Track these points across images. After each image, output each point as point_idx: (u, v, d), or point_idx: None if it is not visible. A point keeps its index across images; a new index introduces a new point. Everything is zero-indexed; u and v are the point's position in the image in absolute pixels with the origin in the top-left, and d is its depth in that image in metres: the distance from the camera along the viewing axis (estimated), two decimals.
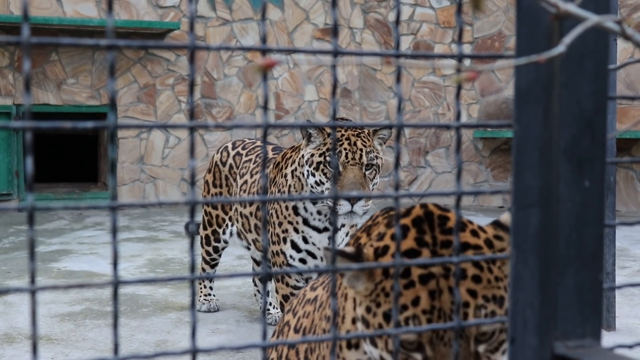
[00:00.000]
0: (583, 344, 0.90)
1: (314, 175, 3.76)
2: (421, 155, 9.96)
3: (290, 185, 3.96)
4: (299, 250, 3.96)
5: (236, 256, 6.32)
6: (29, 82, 0.75)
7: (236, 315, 4.76)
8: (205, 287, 4.86)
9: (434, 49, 9.87)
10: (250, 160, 4.48)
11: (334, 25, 0.90)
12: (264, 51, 0.86)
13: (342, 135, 3.70)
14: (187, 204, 0.85)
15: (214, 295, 4.88)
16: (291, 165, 3.98)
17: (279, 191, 4.04)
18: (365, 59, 9.53)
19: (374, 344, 1.56)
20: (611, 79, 4.14)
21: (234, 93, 9.39)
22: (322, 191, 3.74)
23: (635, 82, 9.53)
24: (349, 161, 3.64)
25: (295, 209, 3.95)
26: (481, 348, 1.50)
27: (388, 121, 9.59)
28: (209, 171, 4.75)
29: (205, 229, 4.80)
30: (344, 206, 3.59)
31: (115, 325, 0.84)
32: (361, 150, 3.66)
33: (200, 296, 4.84)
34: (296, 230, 3.95)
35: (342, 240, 4.01)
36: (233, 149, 4.64)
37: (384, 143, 3.86)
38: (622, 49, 8.92)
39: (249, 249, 4.59)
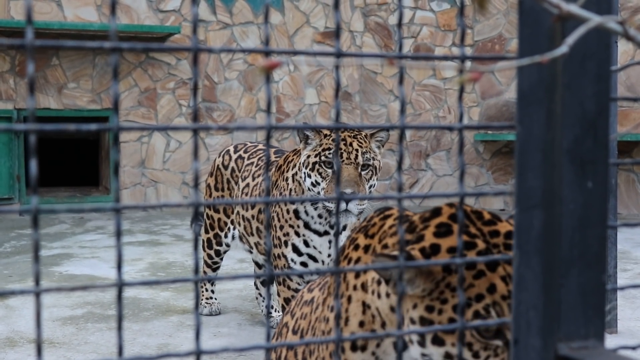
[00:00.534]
0: (586, 345, 0.90)
1: (309, 176, 3.77)
2: (422, 158, 9.96)
3: (291, 189, 3.96)
4: (300, 253, 3.97)
5: (237, 259, 6.32)
6: (33, 84, 0.76)
7: (238, 318, 4.76)
8: (207, 290, 4.86)
9: (434, 52, 9.88)
10: (252, 163, 4.48)
11: (336, 26, 0.90)
12: (266, 53, 0.87)
13: (339, 136, 3.71)
14: (190, 205, 0.85)
15: (215, 299, 4.88)
16: (292, 169, 3.99)
17: (280, 194, 4.04)
18: (366, 62, 9.54)
19: (439, 343, 1.53)
20: (612, 81, 4.14)
21: (234, 97, 9.39)
22: (319, 192, 3.75)
23: (635, 84, 9.53)
24: (344, 160, 3.66)
25: (296, 212, 3.95)
26: None
27: (389, 124, 9.58)
28: (211, 175, 4.75)
29: (207, 232, 4.80)
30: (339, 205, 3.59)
31: (119, 327, 0.84)
32: (357, 150, 3.69)
33: (202, 300, 4.84)
34: (297, 234, 3.96)
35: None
36: (235, 152, 4.64)
37: (382, 146, 3.87)
38: (623, 52, 8.92)
39: (251, 252, 4.59)
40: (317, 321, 1.94)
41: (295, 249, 3.97)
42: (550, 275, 0.89)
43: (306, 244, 3.95)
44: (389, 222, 1.79)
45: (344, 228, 3.99)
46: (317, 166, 3.76)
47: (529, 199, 0.89)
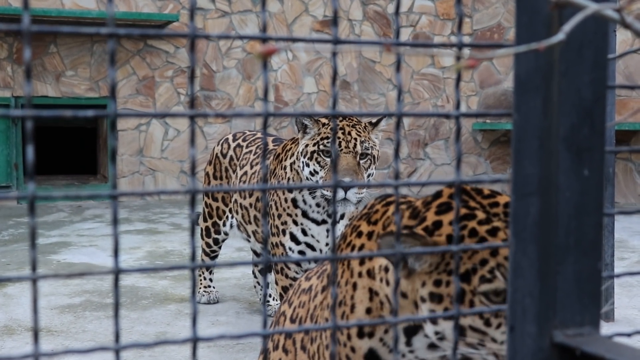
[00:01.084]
0: (582, 332, 0.91)
1: (308, 165, 3.78)
2: (420, 147, 9.96)
3: (289, 178, 3.96)
4: (298, 242, 3.97)
5: (236, 248, 6.33)
6: (29, 70, 0.76)
7: (236, 307, 4.77)
8: (205, 279, 4.86)
9: (433, 41, 9.86)
10: (250, 151, 4.48)
11: (334, 13, 0.90)
12: (264, 40, 0.87)
13: (337, 125, 3.71)
14: (187, 193, 0.85)
15: (213, 287, 4.88)
16: (290, 158, 3.99)
17: (278, 183, 4.04)
18: (365, 50, 9.52)
19: (450, 317, 1.54)
20: (610, 70, 4.14)
21: (233, 85, 9.38)
22: (317, 181, 3.75)
23: (634, 73, 9.53)
24: (342, 149, 3.67)
25: (294, 201, 3.96)
26: None
27: (386, 112, 9.58)
28: (210, 163, 4.75)
29: (205, 220, 4.80)
30: (337, 193, 3.60)
31: (116, 315, 0.84)
32: (355, 139, 3.69)
33: (200, 288, 4.85)
34: (295, 223, 3.96)
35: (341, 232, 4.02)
36: (234, 140, 4.64)
37: (380, 135, 3.88)
38: (621, 41, 8.91)
39: (249, 241, 4.60)
40: (316, 309, 1.94)
41: (293, 238, 3.97)
42: (546, 263, 0.90)
43: (304, 232, 3.96)
44: (392, 208, 1.79)
45: (342, 217, 3.99)
46: (315, 155, 3.76)
47: (526, 187, 0.90)
